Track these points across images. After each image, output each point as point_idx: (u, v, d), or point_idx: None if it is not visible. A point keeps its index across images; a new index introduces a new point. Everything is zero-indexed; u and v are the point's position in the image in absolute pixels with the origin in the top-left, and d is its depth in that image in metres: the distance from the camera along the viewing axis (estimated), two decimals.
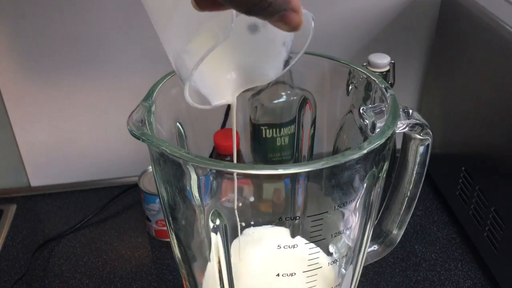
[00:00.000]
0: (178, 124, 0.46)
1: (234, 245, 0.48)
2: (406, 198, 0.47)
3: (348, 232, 0.43)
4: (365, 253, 0.46)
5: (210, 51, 0.31)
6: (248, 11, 0.25)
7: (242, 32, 0.29)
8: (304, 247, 0.42)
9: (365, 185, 0.40)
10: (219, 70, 0.37)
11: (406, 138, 0.44)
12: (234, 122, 0.43)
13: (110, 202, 0.76)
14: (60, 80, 0.72)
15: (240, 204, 0.45)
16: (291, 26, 0.27)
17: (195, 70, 0.32)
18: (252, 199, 0.46)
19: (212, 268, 0.45)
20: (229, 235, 0.41)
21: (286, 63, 0.37)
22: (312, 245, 0.42)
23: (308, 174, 0.37)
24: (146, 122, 0.38)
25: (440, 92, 0.74)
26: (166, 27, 0.33)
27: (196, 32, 0.31)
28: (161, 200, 0.43)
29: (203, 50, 0.31)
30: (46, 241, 0.70)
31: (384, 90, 0.42)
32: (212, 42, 0.31)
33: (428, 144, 0.43)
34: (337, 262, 0.46)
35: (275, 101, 0.60)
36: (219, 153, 0.63)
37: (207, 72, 0.34)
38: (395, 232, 0.49)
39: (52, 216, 0.75)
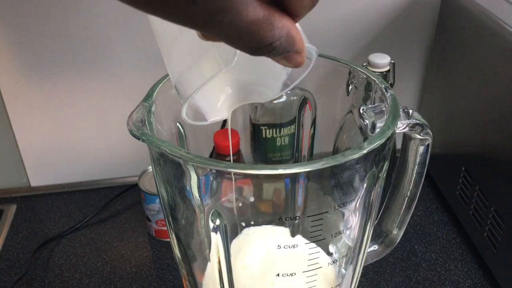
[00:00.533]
0: (178, 124, 0.46)
1: (234, 245, 0.48)
2: (406, 198, 0.47)
3: (348, 232, 0.43)
4: (365, 253, 0.46)
5: (208, 80, 0.32)
6: (252, 53, 0.26)
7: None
8: (304, 247, 0.42)
9: (365, 185, 0.40)
10: (218, 87, 0.37)
11: (406, 138, 0.44)
12: (230, 134, 0.45)
13: (110, 202, 0.76)
14: (60, 81, 0.72)
15: (240, 204, 0.45)
16: (293, 65, 0.28)
17: (195, 94, 0.33)
18: (252, 199, 0.46)
19: (212, 268, 0.45)
20: (229, 235, 0.41)
21: (284, 85, 0.37)
22: (312, 245, 0.42)
23: (308, 174, 0.37)
24: (146, 122, 0.38)
25: (440, 92, 0.74)
26: (171, 48, 0.33)
27: (199, 58, 0.32)
28: (161, 200, 0.43)
29: (204, 74, 0.32)
30: (46, 241, 0.70)
31: (384, 90, 0.42)
32: (214, 69, 0.31)
33: (428, 144, 0.43)
34: (337, 262, 0.46)
35: (275, 101, 0.60)
36: (219, 153, 0.63)
37: (206, 88, 0.35)
38: (395, 232, 0.49)
39: (52, 216, 0.75)
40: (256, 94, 0.38)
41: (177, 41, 0.32)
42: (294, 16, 0.26)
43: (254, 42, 0.25)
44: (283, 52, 0.26)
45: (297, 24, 0.29)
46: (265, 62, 0.28)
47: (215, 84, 0.35)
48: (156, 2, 0.22)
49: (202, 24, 0.23)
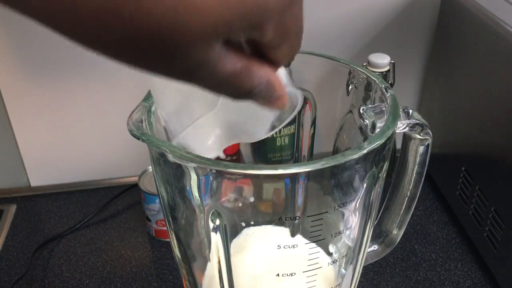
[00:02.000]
0: None
1: (234, 245, 0.48)
2: (406, 198, 0.47)
3: (348, 232, 0.43)
4: (365, 253, 0.46)
5: (195, 121, 0.34)
6: (234, 99, 0.27)
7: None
8: (304, 247, 0.42)
9: (365, 185, 0.40)
10: (207, 127, 0.38)
11: (406, 138, 0.44)
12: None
13: (110, 202, 0.76)
14: (60, 80, 0.72)
15: (240, 204, 0.45)
16: (275, 108, 0.30)
17: (182, 134, 0.35)
18: (252, 199, 0.46)
19: (212, 268, 0.45)
20: (229, 234, 0.41)
21: (272, 126, 0.38)
22: (312, 245, 0.42)
23: (308, 174, 0.37)
24: (146, 122, 0.38)
25: (440, 92, 0.74)
26: (162, 89, 0.35)
27: (187, 100, 0.34)
28: (161, 200, 0.43)
29: (191, 116, 0.34)
30: (46, 241, 0.70)
31: (384, 90, 0.42)
32: (201, 110, 0.34)
33: (428, 144, 0.43)
34: (337, 262, 0.46)
35: None
36: None
37: (194, 129, 0.36)
38: (395, 232, 0.49)
39: (52, 216, 0.75)
40: (245, 134, 0.39)
41: (168, 83, 0.33)
42: (274, 64, 0.27)
43: (234, 91, 0.26)
44: (264, 97, 0.28)
45: (282, 69, 0.30)
46: (252, 104, 0.29)
47: (204, 125, 0.37)
48: (133, 58, 0.24)
49: (182, 77, 0.25)
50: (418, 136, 0.43)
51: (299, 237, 0.48)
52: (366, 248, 0.46)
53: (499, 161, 0.59)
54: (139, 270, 0.66)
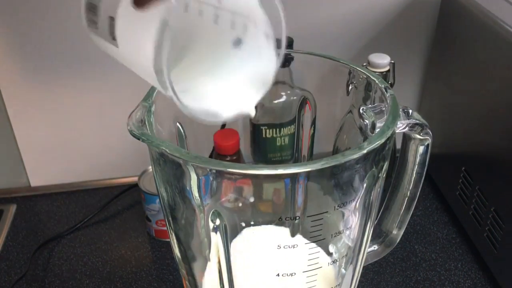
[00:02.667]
0: (178, 124, 0.46)
1: (234, 245, 0.48)
2: (406, 198, 0.47)
3: (348, 232, 0.43)
4: (365, 253, 0.46)
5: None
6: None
7: (230, 51, 0.33)
8: (304, 247, 0.42)
9: (365, 185, 0.40)
10: (226, 90, 0.38)
11: (406, 138, 0.44)
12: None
13: (110, 202, 0.76)
14: (60, 80, 0.72)
15: (240, 204, 0.45)
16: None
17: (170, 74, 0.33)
18: (252, 199, 0.46)
19: (212, 268, 0.45)
20: (229, 234, 0.41)
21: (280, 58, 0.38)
22: (312, 245, 0.42)
23: (308, 174, 0.37)
24: (146, 122, 0.38)
25: (440, 92, 0.74)
26: (136, 56, 0.36)
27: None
28: (161, 200, 0.43)
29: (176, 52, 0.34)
30: (46, 241, 0.70)
31: (384, 90, 0.42)
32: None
33: (428, 144, 0.43)
34: (337, 262, 0.46)
35: (275, 101, 0.60)
36: (219, 153, 0.63)
37: (216, 93, 0.36)
38: (395, 232, 0.49)
39: (52, 216, 0.75)
40: (262, 79, 0.38)
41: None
42: None
43: None
44: None
45: None
46: (250, 47, 0.29)
47: (220, 84, 0.37)
48: None
49: None
50: (418, 136, 0.43)
51: (299, 237, 0.48)
52: (366, 248, 0.46)
53: (499, 161, 0.59)
54: (139, 270, 0.66)
